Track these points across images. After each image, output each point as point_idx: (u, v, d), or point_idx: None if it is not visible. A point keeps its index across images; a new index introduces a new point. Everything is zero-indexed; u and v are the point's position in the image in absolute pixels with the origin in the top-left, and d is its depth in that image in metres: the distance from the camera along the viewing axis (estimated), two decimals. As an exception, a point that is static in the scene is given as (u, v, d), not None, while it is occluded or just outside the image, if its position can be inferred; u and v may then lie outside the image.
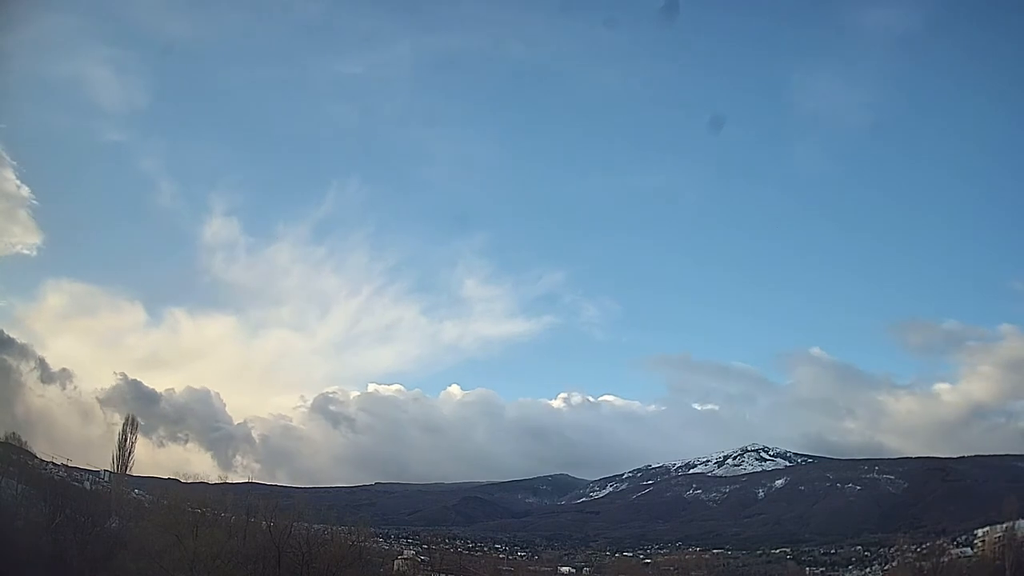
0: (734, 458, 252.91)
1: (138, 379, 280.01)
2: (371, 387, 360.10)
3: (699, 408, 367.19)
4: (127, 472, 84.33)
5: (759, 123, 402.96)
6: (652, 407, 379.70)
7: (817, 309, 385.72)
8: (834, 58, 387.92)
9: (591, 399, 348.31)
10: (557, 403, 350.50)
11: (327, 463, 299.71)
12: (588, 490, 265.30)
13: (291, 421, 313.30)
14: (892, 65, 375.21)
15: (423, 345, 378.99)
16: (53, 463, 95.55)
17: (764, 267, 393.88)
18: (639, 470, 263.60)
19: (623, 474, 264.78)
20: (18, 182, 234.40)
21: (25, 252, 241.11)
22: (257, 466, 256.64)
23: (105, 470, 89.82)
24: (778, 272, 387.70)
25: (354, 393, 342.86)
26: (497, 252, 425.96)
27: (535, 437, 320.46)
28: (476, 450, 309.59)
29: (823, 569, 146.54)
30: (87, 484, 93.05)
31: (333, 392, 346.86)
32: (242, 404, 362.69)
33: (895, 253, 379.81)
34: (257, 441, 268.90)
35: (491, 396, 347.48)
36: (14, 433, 78.30)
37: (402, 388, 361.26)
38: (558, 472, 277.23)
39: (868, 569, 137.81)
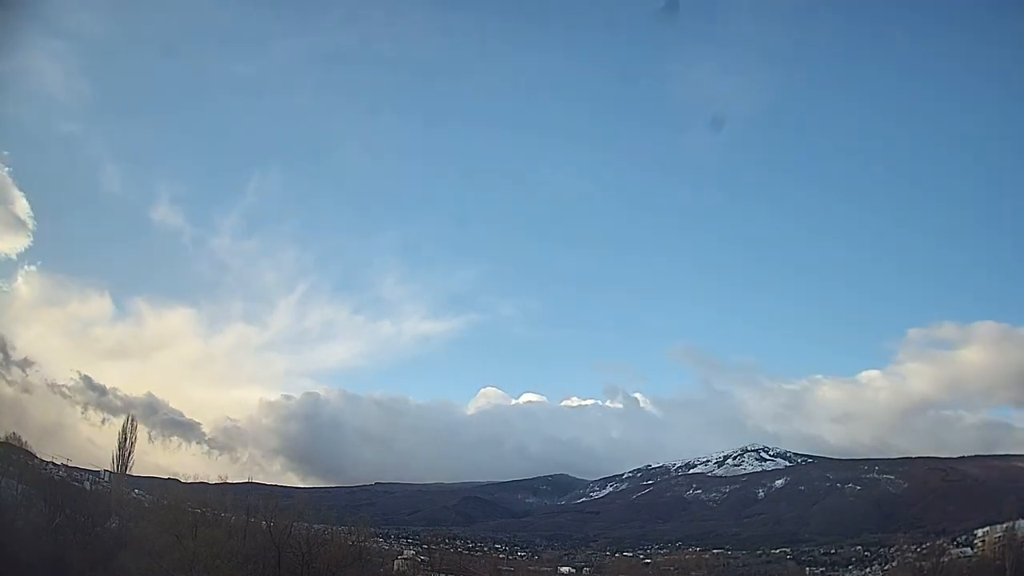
0: (734, 458, 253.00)
1: (90, 374, 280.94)
2: (312, 387, 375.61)
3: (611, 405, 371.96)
4: (127, 472, 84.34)
5: (647, 113, 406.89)
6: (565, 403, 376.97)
7: (688, 305, 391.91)
8: (713, 45, 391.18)
9: (513, 400, 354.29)
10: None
11: (276, 461, 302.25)
12: (588, 490, 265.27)
13: (238, 421, 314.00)
14: (772, 51, 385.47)
15: (358, 345, 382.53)
16: (53, 463, 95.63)
17: (654, 262, 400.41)
18: (639, 470, 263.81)
19: (623, 474, 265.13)
20: (9, 179, 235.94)
21: (9, 247, 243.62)
22: (204, 459, 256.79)
23: (105, 470, 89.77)
24: (667, 266, 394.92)
25: (300, 392, 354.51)
26: (410, 249, 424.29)
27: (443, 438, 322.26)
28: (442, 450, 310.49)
29: (823, 569, 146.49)
30: (87, 484, 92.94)
31: (284, 392, 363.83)
32: (197, 399, 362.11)
33: (775, 247, 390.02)
34: (207, 436, 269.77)
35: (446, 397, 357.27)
36: (14, 433, 78.44)
37: (333, 388, 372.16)
38: (558, 472, 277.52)
39: (868, 569, 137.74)
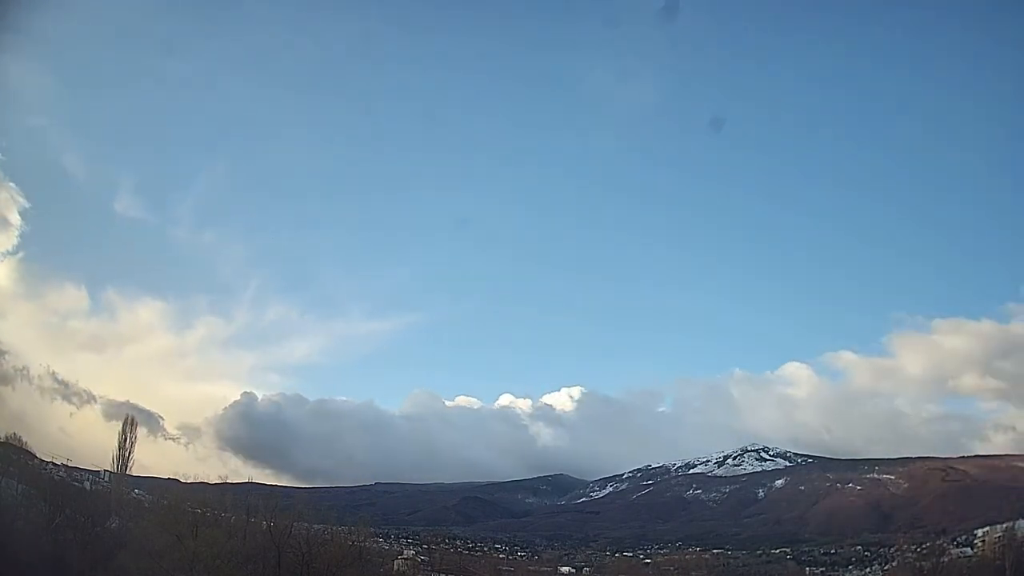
0: (734, 458, 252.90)
1: (64, 365, 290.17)
2: (272, 386, 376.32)
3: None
4: (127, 472, 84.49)
5: (550, 110, 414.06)
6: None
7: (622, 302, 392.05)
8: (607, 42, 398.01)
9: (447, 401, 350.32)
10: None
11: (236, 458, 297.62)
12: (588, 490, 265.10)
13: (199, 419, 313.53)
14: (667, 45, 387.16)
15: (311, 343, 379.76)
16: (53, 463, 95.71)
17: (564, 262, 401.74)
18: (639, 470, 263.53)
19: (623, 474, 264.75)
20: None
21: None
22: (171, 453, 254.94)
23: (105, 470, 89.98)
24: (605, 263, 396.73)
25: (263, 389, 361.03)
26: (349, 247, 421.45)
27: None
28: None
29: (823, 569, 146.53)
30: (87, 484, 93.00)
31: (246, 389, 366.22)
32: (164, 393, 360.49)
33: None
34: (170, 431, 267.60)
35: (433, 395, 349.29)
36: (14, 433, 78.58)
37: (291, 387, 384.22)
38: (558, 472, 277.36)
39: (868, 569, 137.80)
